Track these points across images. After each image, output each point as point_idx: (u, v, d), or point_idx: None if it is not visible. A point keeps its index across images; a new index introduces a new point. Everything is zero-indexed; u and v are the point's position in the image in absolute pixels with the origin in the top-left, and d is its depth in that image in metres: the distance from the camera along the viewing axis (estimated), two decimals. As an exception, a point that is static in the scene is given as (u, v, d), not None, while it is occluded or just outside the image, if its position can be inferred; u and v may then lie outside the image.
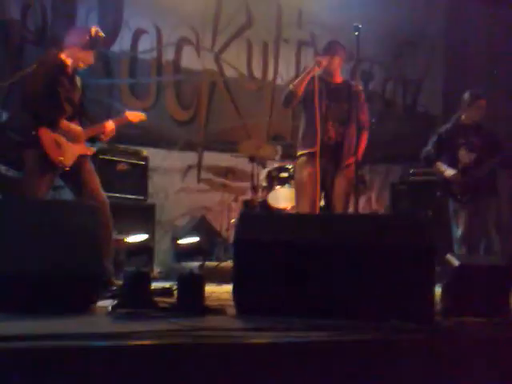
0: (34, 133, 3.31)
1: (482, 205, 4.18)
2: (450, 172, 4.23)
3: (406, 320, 2.13)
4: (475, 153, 4.22)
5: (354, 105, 3.81)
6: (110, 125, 3.57)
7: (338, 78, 3.92)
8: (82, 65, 3.47)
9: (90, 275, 2.43)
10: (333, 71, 3.85)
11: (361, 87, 3.97)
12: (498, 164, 4.24)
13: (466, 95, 4.28)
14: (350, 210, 3.82)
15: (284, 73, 6.11)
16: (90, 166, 3.49)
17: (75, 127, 3.45)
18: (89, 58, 3.47)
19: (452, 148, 4.28)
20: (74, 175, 3.43)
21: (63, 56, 3.42)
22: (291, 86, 3.80)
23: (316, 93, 3.71)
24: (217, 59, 5.81)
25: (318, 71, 3.76)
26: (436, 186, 4.72)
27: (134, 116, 3.73)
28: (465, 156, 4.24)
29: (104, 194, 3.46)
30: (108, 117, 3.75)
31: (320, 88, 3.76)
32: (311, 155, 3.79)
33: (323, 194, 3.88)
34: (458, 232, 4.23)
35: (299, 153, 3.92)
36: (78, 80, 3.52)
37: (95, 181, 3.46)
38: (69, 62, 3.42)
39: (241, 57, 5.94)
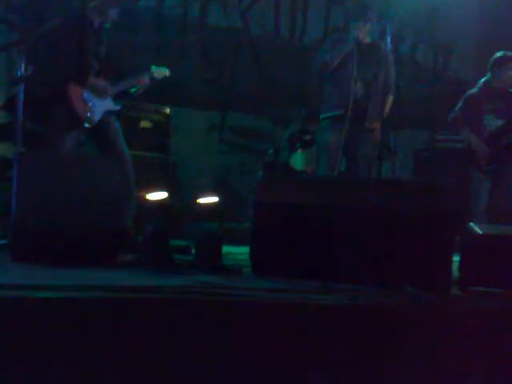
0: (61, 88, 3.32)
1: (508, 174, 4.08)
2: (476, 141, 4.11)
3: (422, 288, 2.13)
4: (502, 119, 4.08)
5: (382, 66, 3.73)
6: (145, 80, 3.56)
7: (366, 39, 3.84)
8: (108, 19, 3.45)
9: (110, 230, 2.47)
10: (364, 35, 3.77)
11: (390, 50, 3.87)
12: None
13: (496, 56, 4.10)
14: (373, 174, 3.78)
15: (312, 32, 5.97)
16: (115, 124, 3.50)
17: (102, 83, 3.45)
18: (114, 13, 3.44)
19: (478, 113, 4.13)
20: (99, 132, 3.45)
21: (89, 10, 3.39)
22: (329, 59, 3.75)
23: (353, 59, 3.65)
24: (243, 17, 5.69)
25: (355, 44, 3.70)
26: (460, 153, 4.62)
27: (159, 72, 3.71)
28: (491, 122, 4.10)
29: (128, 152, 3.48)
30: (133, 73, 3.73)
31: (352, 49, 3.71)
32: (336, 118, 3.74)
33: (345, 158, 3.85)
34: (481, 202, 4.15)
35: (323, 116, 3.87)
36: (105, 36, 3.50)
37: (120, 138, 3.48)
38: (95, 16, 3.39)
39: (268, 15, 5.80)
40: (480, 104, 4.14)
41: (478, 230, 2.51)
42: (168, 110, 4.95)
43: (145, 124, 4.69)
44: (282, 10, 5.85)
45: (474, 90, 4.25)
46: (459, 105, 4.31)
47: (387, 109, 3.83)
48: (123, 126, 4.19)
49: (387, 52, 3.76)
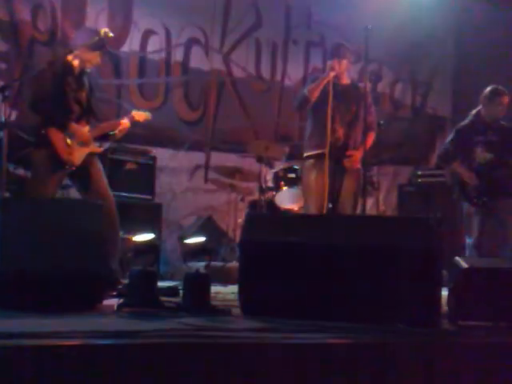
0: (43, 132, 3.35)
1: (499, 208, 4.03)
2: (467, 174, 4.08)
3: (411, 324, 2.13)
4: (492, 152, 4.07)
5: (361, 106, 3.81)
6: (126, 123, 3.62)
7: (345, 80, 3.93)
8: (89, 65, 3.51)
9: (95, 274, 2.44)
10: (340, 74, 3.85)
11: (368, 88, 3.96)
12: None
13: (487, 90, 4.11)
14: (358, 211, 3.81)
15: (292, 73, 6.10)
16: (98, 165, 3.51)
17: (83, 128, 3.48)
18: (96, 58, 3.50)
19: (469, 145, 4.10)
20: (82, 174, 3.45)
21: (70, 57, 3.45)
22: (306, 92, 3.82)
23: (329, 96, 3.72)
24: (225, 59, 5.82)
25: (332, 76, 3.77)
26: (443, 188, 4.66)
27: (140, 115, 3.76)
28: (481, 155, 4.09)
29: (111, 193, 3.48)
30: (117, 117, 3.78)
31: (328, 88, 3.77)
32: (319, 157, 3.79)
33: (331, 197, 3.86)
34: (471, 237, 4.12)
35: (306, 154, 3.92)
36: (86, 80, 3.55)
37: (103, 180, 3.48)
38: (76, 62, 3.45)
39: (249, 57, 5.94)
40: (471, 136, 4.13)
41: (464, 263, 2.53)
42: (153, 152, 4.98)
43: (130, 166, 4.70)
44: (262, 52, 5.99)
45: (465, 122, 4.24)
46: (450, 137, 4.31)
47: (367, 146, 3.87)
48: (108, 168, 4.21)
49: (366, 90, 3.85)
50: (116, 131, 3.61)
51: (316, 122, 3.85)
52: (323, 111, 3.77)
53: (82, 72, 3.51)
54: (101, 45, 3.46)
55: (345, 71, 3.90)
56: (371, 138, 3.89)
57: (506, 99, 4.09)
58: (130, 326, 2.01)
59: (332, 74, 3.76)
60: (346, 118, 3.83)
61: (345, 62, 3.85)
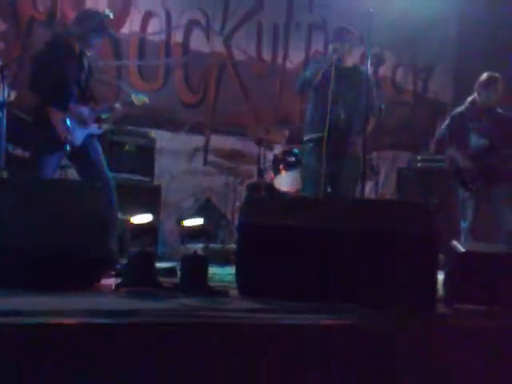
0: (42, 112, 3.34)
1: (493, 193, 4.06)
2: (463, 159, 4.09)
3: (407, 307, 2.14)
4: (487, 139, 4.09)
5: (363, 89, 3.79)
6: (118, 107, 3.61)
7: (348, 63, 3.91)
8: (89, 47, 3.49)
9: (94, 254, 2.45)
10: (343, 56, 3.83)
11: (370, 72, 3.94)
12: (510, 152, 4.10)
13: (483, 77, 4.11)
14: (357, 194, 3.81)
15: (294, 57, 6.06)
16: (97, 147, 3.52)
17: (83, 110, 3.47)
18: (96, 40, 3.48)
19: (463, 132, 4.12)
20: (81, 155, 3.46)
21: (71, 38, 3.42)
22: (308, 74, 3.80)
23: (332, 79, 3.70)
24: (226, 42, 5.77)
25: (335, 58, 3.75)
26: (442, 173, 4.65)
27: (138, 99, 3.75)
28: (475, 141, 4.12)
29: (110, 175, 3.49)
30: (117, 98, 3.77)
31: (331, 72, 3.75)
32: (319, 140, 3.78)
33: (330, 180, 3.87)
34: (466, 222, 4.15)
35: (306, 138, 3.91)
36: (86, 62, 3.53)
37: (101, 161, 3.49)
38: (76, 43, 3.43)
39: (250, 40, 5.89)
40: (466, 122, 4.15)
41: (460, 247, 2.54)
42: (152, 134, 4.97)
43: (129, 148, 4.70)
44: (263, 35, 5.95)
45: (460, 109, 4.25)
46: (446, 123, 4.33)
47: (369, 130, 3.87)
48: (108, 149, 4.20)
49: (368, 75, 3.83)
50: (107, 115, 3.62)
51: (317, 104, 3.83)
52: (325, 94, 3.74)
53: (82, 53, 3.49)
54: (101, 28, 3.44)
55: (348, 54, 3.87)
56: (372, 122, 3.87)
57: (501, 86, 4.09)
58: (128, 306, 2.03)
59: (335, 56, 3.74)
60: (348, 101, 3.81)
61: (348, 45, 3.83)
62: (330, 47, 3.83)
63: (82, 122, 3.45)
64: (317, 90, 3.82)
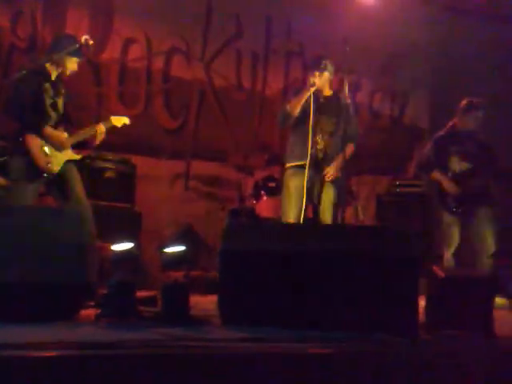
0: (20, 139, 3.32)
1: (476, 217, 4.09)
2: (447, 182, 4.14)
3: (389, 332, 2.15)
4: (468, 162, 4.15)
5: (342, 117, 3.85)
6: (102, 128, 3.60)
7: (327, 91, 3.97)
8: (67, 72, 3.49)
9: (73, 283, 2.41)
10: (322, 86, 3.89)
11: (349, 100, 4.00)
12: (492, 176, 4.17)
13: (463, 103, 4.20)
14: (337, 220, 3.84)
15: (273, 83, 6.14)
16: (75, 173, 3.49)
17: (60, 134, 3.47)
18: (73, 65, 3.49)
19: (445, 155, 4.18)
20: (59, 182, 3.43)
21: (48, 63, 3.43)
22: (288, 108, 3.84)
23: (311, 109, 3.75)
24: (206, 69, 5.83)
25: (313, 90, 3.80)
26: (421, 197, 4.70)
27: (118, 120, 3.75)
28: (456, 164, 4.18)
29: (87, 201, 3.46)
30: (96, 124, 3.75)
31: (309, 101, 3.79)
32: (299, 167, 3.82)
33: (311, 206, 3.89)
34: (450, 246, 4.17)
35: (287, 165, 3.94)
36: (62, 86, 3.53)
37: (80, 188, 3.46)
38: (53, 68, 3.43)
39: (230, 67, 5.96)
40: (448, 145, 4.21)
41: (440, 272, 2.56)
42: (133, 160, 4.95)
43: (110, 174, 4.67)
44: (243, 62, 6.02)
45: (442, 132, 4.33)
46: (429, 146, 4.38)
47: (347, 157, 3.90)
48: (88, 176, 4.17)
49: (347, 102, 3.89)
50: (92, 137, 3.60)
51: (297, 134, 3.87)
52: (305, 124, 3.79)
53: (59, 78, 3.49)
54: (80, 52, 3.45)
55: (326, 83, 3.94)
56: (350, 148, 3.92)
57: (480, 113, 4.19)
58: (108, 337, 2.00)
59: (312, 89, 3.80)
60: (327, 129, 3.85)
61: (326, 74, 3.88)
62: (309, 80, 3.86)
63: (60, 147, 3.44)
64: (297, 121, 3.87)
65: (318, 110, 3.81)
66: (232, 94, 5.94)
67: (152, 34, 5.51)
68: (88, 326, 2.28)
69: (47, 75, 3.42)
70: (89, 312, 2.49)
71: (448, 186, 4.15)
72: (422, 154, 4.52)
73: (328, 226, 3.59)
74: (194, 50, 5.74)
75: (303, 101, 3.80)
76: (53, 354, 1.62)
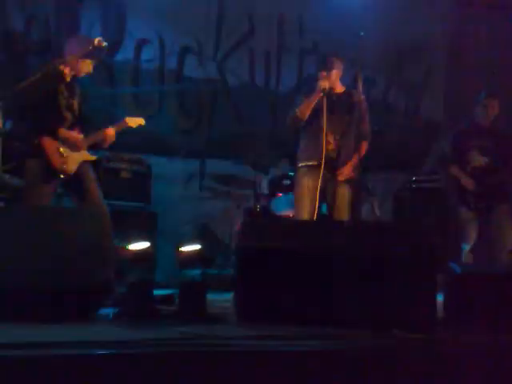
0: (36, 141, 3.35)
1: (495, 213, 4.05)
2: (465, 178, 4.09)
3: (406, 329, 2.13)
4: (487, 157, 4.10)
5: (355, 115, 3.79)
6: (110, 131, 3.62)
7: (339, 88, 3.90)
8: (81, 73, 3.52)
9: (92, 282, 2.43)
10: (332, 84, 3.81)
11: (363, 96, 3.94)
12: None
13: (480, 96, 4.17)
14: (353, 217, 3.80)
15: (286, 81, 6.12)
16: (91, 174, 3.52)
17: (76, 135, 3.50)
18: (88, 67, 3.51)
19: (464, 149, 4.13)
20: (75, 183, 3.46)
21: (62, 65, 3.46)
22: (297, 112, 3.78)
23: (323, 111, 3.69)
24: (219, 68, 5.84)
25: (322, 93, 3.74)
26: (438, 193, 4.64)
27: (133, 121, 3.76)
28: (475, 159, 4.12)
29: (104, 202, 3.48)
30: (111, 125, 3.78)
31: (321, 101, 3.74)
32: (311, 167, 3.77)
33: (325, 206, 3.84)
34: (467, 242, 4.12)
35: (300, 164, 3.89)
36: (78, 88, 3.56)
37: (96, 188, 3.49)
38: (68, 70, 3.46)
39: (243, 65, 5.96)
40: (467, 140, 4.16)
41: (457, 269, 2.54)
42: (148, 160, 4.98)
43: (125, 174, 4.70)
44: (256, 60, 6.02)
45: (461, 126, 4.28)
46: (447, 141, 4.34)
47: (361, 155, 3.82)
48: (103, 176, 4.20)
49: (360, 98, 3.84)
50: (102, 141, 3.63)
51: (309, 135, 3.81)
52: (316, 124, 3.72)
53: (74, 80, 3.52)
54: (93, 53, 3.48)
55: (336, 80, 3.85)
56: (364, 146, 3.85)
57: (495, 103, 4.13)
58: (126, 336, 2.01)
59: (320, 94, 3.71)
60: (339, 129, 3.76)
61: (335, 72, 3.79)
62: (318, 85, 3.77)
63: (75, 148, 3.47)
64: (308, 121, 3.81)
65: (329, 110, 3.71)
66: (245, 92, 5.94)
67: (164, 34, 5.53)
68: (106, 325, 2.30)
69: (62, 77, 3.45)
70: (106, 311, 2.51)
71: (466, 181, 4.10)
72: (440, 148, 4.47)
73: (342, 222, 3.56)
74: (207, 49, 5.75)
75: (313, 104, 3.73)
76: (71, 353, 1.63)
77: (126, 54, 5.36)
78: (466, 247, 4.13)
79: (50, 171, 3.37)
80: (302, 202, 3.79)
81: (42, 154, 3.35)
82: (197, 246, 4.92)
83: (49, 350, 1.65)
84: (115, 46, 5.26)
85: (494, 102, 4.15)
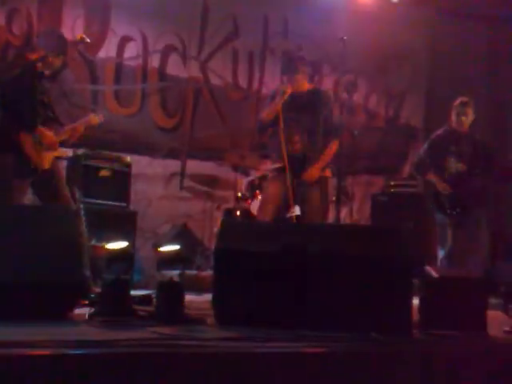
0: (14, 136, 3.31)
1: (471, 218, 4.13)
2: (441, 184, 4.16)
3: (383, 332, 2.15)
4: (464, 163, 4.17)
5: (323, 114, 3.77)
6: (80, 128, 3.63)
7: (306, 87, 3.83)
8: (51, 69, 3.49)
9: (67, 281, 2.41)
10: (297, 87, 3.77)
11: (330, 93, 3.92)
12: (488, 176, 4.18)
13: (455, 102, 4.24)
14: (331, 220, 3.83)
15: (269, 83, 6.14)
16: (61, 170, 3.53)
17: (49, 132, 3.47)
18: (58, 62, 3.49)
19: (442, 155, 4.21)
20: (47, 180, 3.43)
21: (36, 60, 3.43)
22: (261, 117, 3.80)
23: (286, 114, 3.66)
24: (202, 68, 5.83)
25: (286, 96, 3.72)
26: (415, 197, 4.70)
27: (93, 119, 3.74)
28: (453, 165, 4.20)
29: (71, 200, 3.48)
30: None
31: (287, 101, 3.71)
32: (279, 170, 3.76)
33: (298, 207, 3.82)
34: (444, 247, 4.19)
35: (267, 169, 3.88)
36: (47, 84, 3.54)
37: (64, 185, 3.49)
38: (40, 65, 3.43)
39: (226, 66, 5.96)
40: (444, 146, 4.23)
41: (433, 273, 2.57)
42: (128, 159, 4.95)
43: (104, 173, 4.66)
44: (239, 61, 6.02)
45: (439, 132, 4.34)
46: (425, 146, 4.40)
47: (331, 153, 3.80)
48: (83, 174, 4.16)
49: (328, 97, 3.83)
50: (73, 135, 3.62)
51: (274, 137, 3.79)
52: (283, 125, 3.70)
53: (43, 75, 3.49)
54: (61, 48, 3.45)
55: (301, 82, 3.79)
56: (335, 145, 3.81)
57: (469, 110, 4.21)
58: (102, 336, 2.00)
59: (284, 97, 3.67)
60: (305, 128, 3.75)
61: (299, 77, 3.76)
62: (279, 90, 3.73)
63: (50, 145, 3.44)
64: (273, 125, 3.78)
65: (295, 110, 3.70)
66: (228, 93, 5.95)
67: (148, 32, 5.51)
68: (82, 325, 2.28)
69: (37, 73, 3.42)
70: (83, 311, 2.48)
71: (442, 187, 4.17)
72: (417, 154, 4.53)
73: (322, 225, 3.59)
74: (190, 48, 5.74)
75: (277, 109, 3.69)
76: (46, 352, 1.62)
77: (109, 51, 5.32)
78: (442, 252, 4.20)
79: (27, 167, 3.33)
80: (265, 208, 3.77)
81: (18, 150, 3.31)
82: (176, 246, 4.91)
83: (23, 350, 1.63)
84: (98, 43, 5.22)
85: (468, 108, 4.22)
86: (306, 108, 3.76)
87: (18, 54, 3.64)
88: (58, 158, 3.50)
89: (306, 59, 3.90)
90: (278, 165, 3.77)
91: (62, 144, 3.64)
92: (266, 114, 3.77)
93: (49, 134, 3.46)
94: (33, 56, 3.46)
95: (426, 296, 2.54)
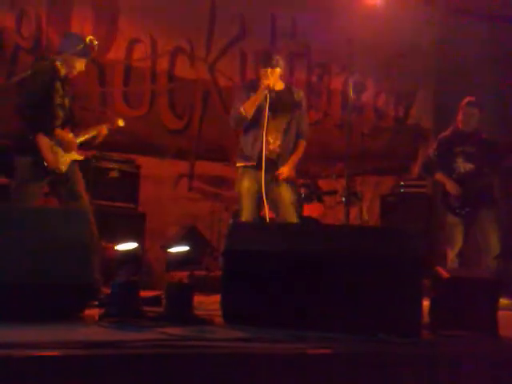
0: (31, 139, 3.33)
1: (481, 217, 4.11)
2: (450, 184, 4.16)
3: (393, 333, 2.14)
4: (472, 163, 4.16)
5: (296, 113, 3.76)
6: (105, 130, 3.65)
7: (279, 85, 3.80)
8: (73, 72, 3.51)
9: (77, 283, 2.42)
10: (274, 82, 3.71)
11: (302, 93, 3.90)
12: (496, 176, 4.17)
13: (462, 102, 4.23)
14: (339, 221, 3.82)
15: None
16: (78, 173, 3.53)
17: (68, 134, 3.48)
18: (81, 65, 3.51)
19: (449, 156, 4.20)
20: (65, 182, 3.44)
21: (58, 63, 3.45)
22: (242, 111, 3.70)
23: (266, 111, 3.62)
24: (211, 69, 5.84)
25: (266, 91, 3.68)
26: (425, 198, 4.68)
27: (112, 123, 3.77)
28: (460, 165, 4.18)
29: (88, 202, 3.49)
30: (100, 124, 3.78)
31: (265, 98, 3.66)
32: (249, 168, 3.72)
33: (270, 206, 3.77)
34: (453, 247, 4.17)
35: (237, 164, 3.85)
36: (70, 86, 3.56)
37: (82, 188, 3.50)
38: (62, 67, 3.45)
39: (234, 67, 5.97)
40: (452, 146, 4.22)
41: (444, 273, 2.56)
42: (137, 160, 4.97)
43: (114, 174, 4.68)
44: (247, 62, 6.03)
45: (446, 133, 4.34)
46: (434, 147, 4.39)
47: (299, 154, 3.78)
48: (92, 176, 4.19)
49: (300, 96, 3.82)
50: (94, 138, 3.64)
51: (248, 134, 3.74)
52: (255, 124, 3.68)
53: (66, 78, 3.51)
54: (86, 52, 3.47)
55: (278, 78, 3.75)
56: (302, 145, 3.81)
57: (476, 111, 4.19)
58: (111, 336, 2.00)
59: (265, 91, 3.63)
60: (279, 128, 3.72)
61: (278, 70, 3.72)
62: (262, 82, 3.67)
63: (68, 148, 3.46)
64: (254, 119, 3.71)
65: (270, 108, 3.66)
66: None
67: (156, 34, 5.53)
68: (91, 325, 2.29)
69: (58, 74, 3.44)
70: (92, 312, 2.49)
71: (451, 187, 4.16)
72: (426, 155, 4.51)
73: (330, 226, 3.58)
74: (199, 50, 5.76)
75: (257, 102, 3.66)
76: (55, 353, 1.62)
77: (117, 52, 5.34)
78: (452, 251, 4.17)
79: (42, 169, 3.35)
80: (243, 202, 3.75)
81: (35, 152, 3.33)
82: (184, 248, 4.91)
83: (33, 350, 1.63)
84: (107, 45, 5.25)
85: (474, 109, 4.21)
86: (280, 108, 3.73)
87: (41, 57, 3.64)
88: (73, 161, 3.50)
89: (283, 54, 3.87)
90: (249, 163, 3.71)
91: (83, 146, 3.67)
92: (247, 106, 3.71)
93: (67, 136, 3.47)
94: (54, 57, 3.48)
95: (436, 296, 2.52)
